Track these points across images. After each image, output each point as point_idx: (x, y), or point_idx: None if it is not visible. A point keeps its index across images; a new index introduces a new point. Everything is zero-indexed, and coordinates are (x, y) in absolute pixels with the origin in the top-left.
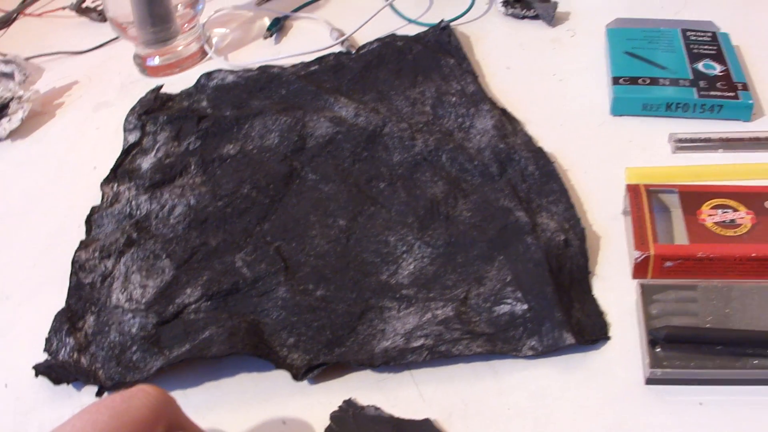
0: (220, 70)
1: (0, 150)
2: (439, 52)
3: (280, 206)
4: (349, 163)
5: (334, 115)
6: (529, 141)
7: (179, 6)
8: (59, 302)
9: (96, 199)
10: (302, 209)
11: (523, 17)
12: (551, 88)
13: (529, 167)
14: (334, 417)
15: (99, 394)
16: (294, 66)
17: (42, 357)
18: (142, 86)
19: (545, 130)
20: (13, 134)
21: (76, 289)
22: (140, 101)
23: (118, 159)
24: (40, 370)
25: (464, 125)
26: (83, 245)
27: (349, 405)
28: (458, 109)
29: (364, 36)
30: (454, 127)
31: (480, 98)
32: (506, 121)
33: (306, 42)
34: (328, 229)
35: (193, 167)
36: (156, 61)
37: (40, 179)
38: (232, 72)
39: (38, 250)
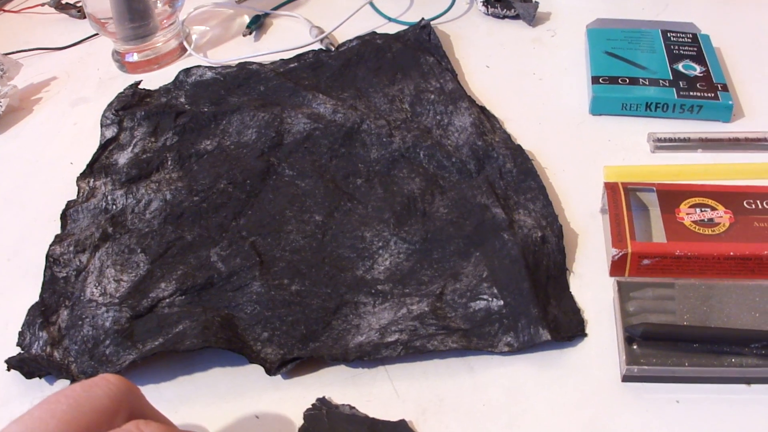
0: (198, 67)
1: None
2: (418, 51)
3: (257, 202)
4: (326, 160)
5: (312, 111)
6: (507, 139)
7: (158, 2)
8: (33, 296)
9: (72, 194)
10: (278, 205)
11: (504, 17)
12: (531, 87)
13: (507, 164)
14: (308, 416)
15: None
16: (273, 63)
17: (14, 351)
18: (120, 82)
19: (524, 129)
20: None
21: (50, 283)
22: (118, 97)
23: (94, 154)
24: (12, 363)
25: (442, 122)
26: (58, 239)
27: (323, 403)
28: (437, 106)
29: (344, 34)
30: (432, 125)
31: (459, 96)
32: (485, 119)
33: (285, 39)
34: (304, 225)
35: (170, 162)
36: (134, 57)
37: (15, 175)
38: (210, 68)
39: (12, 245)
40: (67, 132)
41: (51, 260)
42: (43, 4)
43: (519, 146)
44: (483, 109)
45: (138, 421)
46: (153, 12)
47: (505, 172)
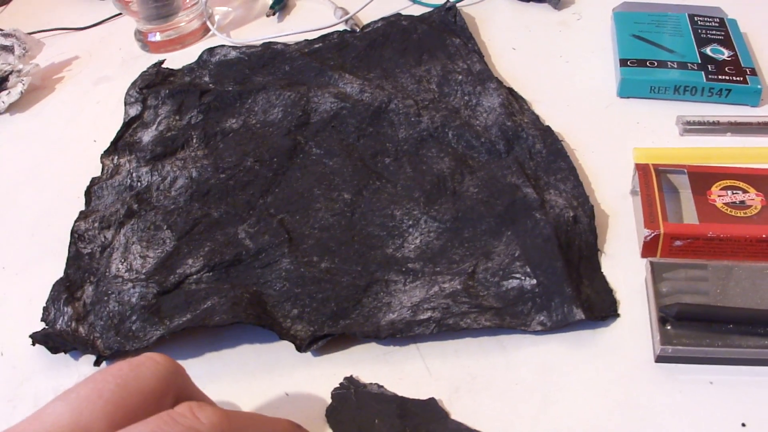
0: (222, 46)
1: None
2: (444, 32)
3: (284, 180)
4: (354, 139)
5: (339, 91)
6: (536, 119)
7: None
8: (57, 272)
9: (96, 171)
10: (306, 183)
11: (529, 0)
12: (558, 70)
13: (536, 145)
14: (336, 395)
15: (97, 363)
16: (298, 44)
17: (39, 326)
18: (143, 62)
19: (552, 111)
20: (12, 108)
21: (74, 259)
22: (142, 75)
23: (118, 132)
24: (37, 338)
25: (471, 103)
26: (83, 216)
27: (350, 382)
28: (464, 87)
29: (369, 15)
30: (460, 105)
31: (486, 77)
32: (513, 100)
33: (309, 20)
34: (333, 203)
35: (195, 140)
36: (157, 37)
37: (39, 152)
38: (234, 48)
39: (37, 221)
40: (90, 110)
41: (76, 236)
42: None
43: (548, 127)
44: (511, 91)
45: (191, 403)
46: None
47: (535, 153)
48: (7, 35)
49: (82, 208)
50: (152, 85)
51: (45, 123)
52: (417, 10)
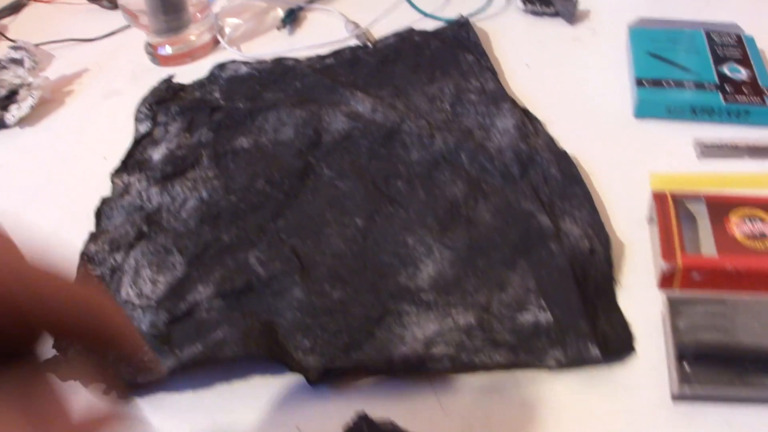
0: (233, 61)
1: (8, 137)
2: (457, 48)
3: (295, 202)
4: (365, 160)
5: (351, 110)
6: (551, 142)
7: None
8: None
9: (105, 189)
10: (318, 206)
11: (543, 14)
12: (572, 88)
13: (551, 170)
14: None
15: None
16: (309, 59)
17: (50, 353)
18: (153, 75)
19: (567, 131)
20: (22, 121)
21: (83, 281)
22: (152, 91)
23: (128, 150)
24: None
25: (484, 124)
26: (93, 237)
27: (363, 420)
28: (478, 107)
29: (380, 29)
30: (474, 126)
31: (500, 96)
32: (527, 121)
33: (321, 34)
34: (345, 228)
35: (205, 160)
36: (167, 50)
37: (48, 168)
38: (245, 63)
39: (46, 240)
40: (100, 125)
41: (86, 258)
42: None
43: (563, 151)
44: (525, 111)
45: None
46: (186, 4)
47: (550, 178)
48: (17, 48)
49: (92, 227)
50: (162, 100)
51: (54, 137)
52: (429, 24)
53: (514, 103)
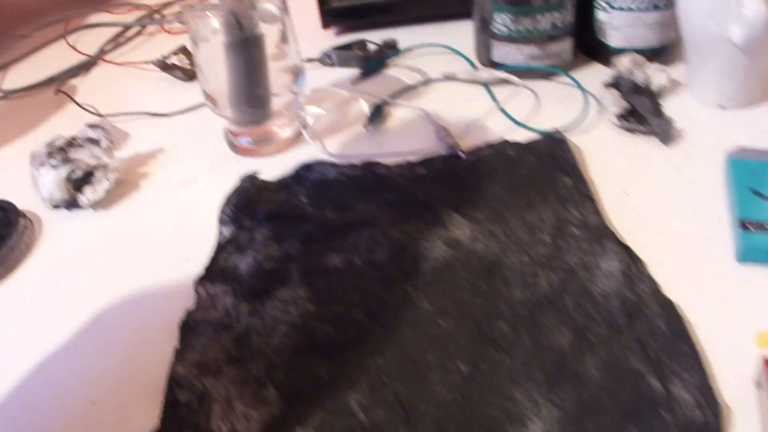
0: (320, 163)
1: (80, 219)
2: (554, 169)
3: (395, 339)
4: (467, 296)
5: (450, 236)
6: (656, 290)
7: (278, 83)
8: (151, 418)
9: (186, 294)
10: (420, 346)
11: (637, 132)
12: (670, 222)
13: (658, 323)
14: None
15: None
16: (399, 166)
17: None
18: (233, 164)
19: (668, 274)
20: (95, 204)
21: (171, 408)
22: (236, 191)
23: (212, 256)
24: None
25: (588, 264)
26: (179, 357)
27: None
28: (581, 243)
29: (471, 136)
30: (577, 265)
31: (604, 233)
32: (632, 263)
33: (408, 136)
34: (449, 374)
35: (295, 276)
36: (248, 141)
37: (126, 263)
38: (333, 166)
39: (126, 350)
40: (178, 219)
41: (173, 383)
42: (147, 62)
43: (670, 302)
44: (629, 250)
45: None
46: (272, 97)
47: (657, 332)
48: (93, 126)
49: (175, 340)
50: (247, 203)
51: (130, 227)
52: (520, 133)
53: (618, 241)
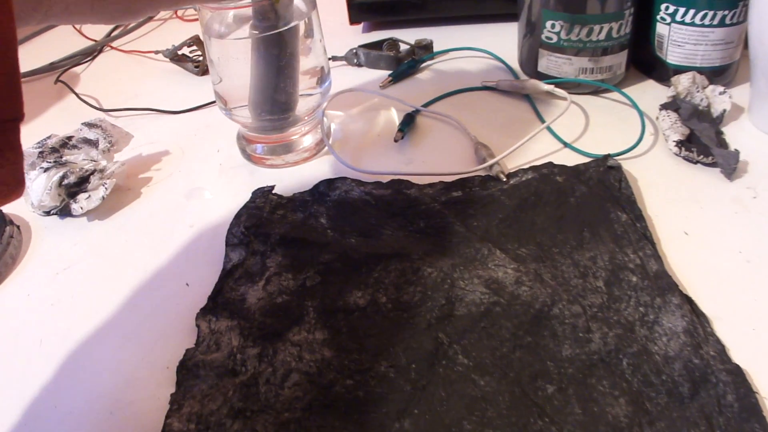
0: (343, 179)
1: (71, 227)
2: (607, 201)
3: (424, 397)
4: (508, 349)
5: (490, 276)
6: (722, 352)
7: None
8: None
9: (188, 328)
10: (453, 409)
11: (698, 162)
12: (737, 272)
13: (727, 395)
14: None
15: None
16: (432, 186)
17: None
18: (244, 173)
19: (733, 334)
20: (89, 213)
21: None
22: (247, 208)
23: (217, 283)
24: None
25: (647, 319)
26: (175, 405)
27: None
28: (640, 294)
29: (511, 151)
30: (635, 319)
31: (667, 285)
32: (696, 321)
33: (442, 151)
34: None
35: (312, 314)
36: (263, 149)
37: (119, 282)
38: (357, 183)
39: (117, 391)
40: (181, 235)
41: None
42: (156, 52)
43: (738, 367)
44: (693, 305)
45: None
46: (296, 104)
47: (725, 406)
48: (92, 125)
49: (171, 384)
50: (259, 223)
51: (126, 241)
52: (567, 155)
53: (682, 296)
